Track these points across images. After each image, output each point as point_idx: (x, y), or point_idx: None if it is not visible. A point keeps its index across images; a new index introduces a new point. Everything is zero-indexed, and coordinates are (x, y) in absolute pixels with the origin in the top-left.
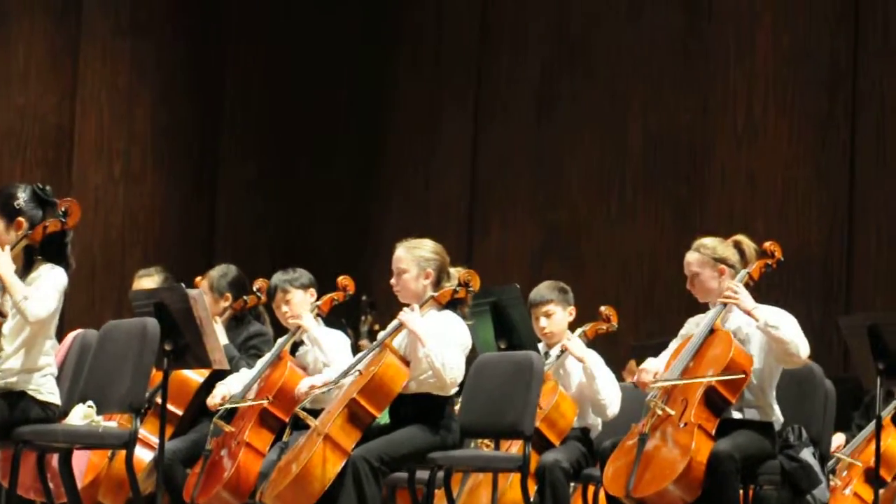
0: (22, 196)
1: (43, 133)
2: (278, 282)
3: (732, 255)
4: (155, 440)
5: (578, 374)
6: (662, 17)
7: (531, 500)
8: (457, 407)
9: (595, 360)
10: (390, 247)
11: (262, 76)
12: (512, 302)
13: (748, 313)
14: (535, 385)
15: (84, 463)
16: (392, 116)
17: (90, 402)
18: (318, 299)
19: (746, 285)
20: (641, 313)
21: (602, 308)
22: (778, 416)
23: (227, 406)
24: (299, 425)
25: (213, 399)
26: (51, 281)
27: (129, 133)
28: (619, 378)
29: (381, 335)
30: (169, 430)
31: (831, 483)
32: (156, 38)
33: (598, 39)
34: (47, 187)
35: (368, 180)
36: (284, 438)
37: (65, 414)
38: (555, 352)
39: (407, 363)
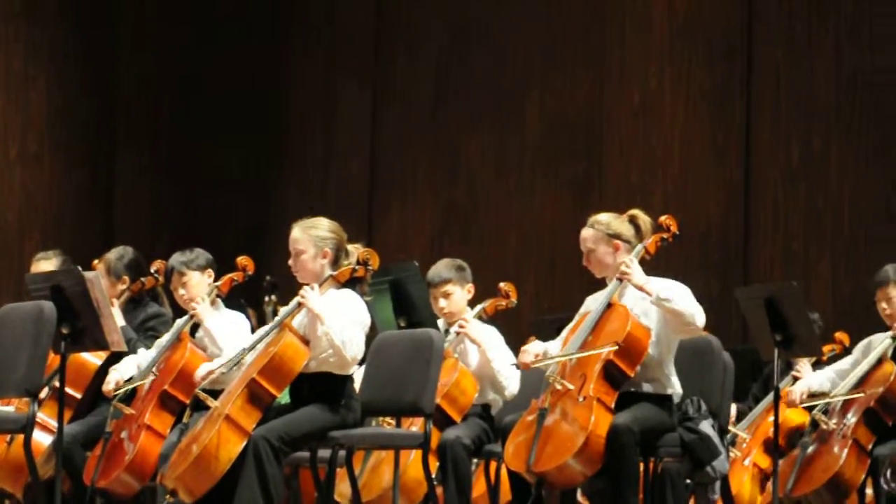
0: None
1: None
2: (175, 264)
3: (627, 231)
4: (53, 424)
5: (478, 350)
6: None
7: (433, 476)
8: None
9: (494, 340)
10: (292, 227)
11: (157, 58)
12: (411, 279)
13: (640, 289)
14: (434, 362)
15: None
16: (291, 97)
17: None
18: (217, 280)
19: (643, 260)
20: (542, 289)
21: (501, 284)
22: (677, 389)
23: (128, 388)
24: (199, 406)
25: (108, 385)
26: None
27: (24, 116)
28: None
29: (279, 314)
30: (68, 414)
31: (731, 454)
32: (51, 22)
33: (495, 18)
34: None
35: (268, 161)
36: (185, 420)
37: None
38: (455, 329)
39: (307, 343)
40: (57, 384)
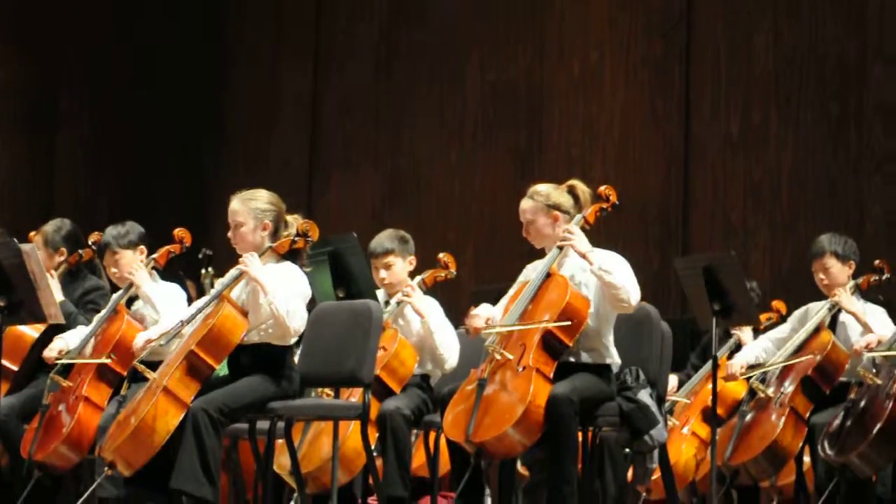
0: None
1: None
2: (108, 239)
3: (567, 201)
4: None
5: (418, 322)
6: None
7: (372, 447)
8: (296, 357)
9: (434, 313)
10: (230, 199)
11: (100, 29)
12: (350, 251)
13: (583, 256)
14: (373, 333)
15: None
16: (232, 69)
17: None
18: (153, 253)
19: (582, 229)
20: (482, 260)
21: (440, 255)
22: (615, 359)
23: (65, 361)
24: (137, 378)
25: (50, 352)
26: None
27: None
28: (460, 324)
29: (217, 286)
30: (4, 387)
31: (669, 423)
32: None
33: None
34: None
35: (209, 133)
36: (123, 392)
37: None
38: (395, 300)
39: (245, 314)
40: None
